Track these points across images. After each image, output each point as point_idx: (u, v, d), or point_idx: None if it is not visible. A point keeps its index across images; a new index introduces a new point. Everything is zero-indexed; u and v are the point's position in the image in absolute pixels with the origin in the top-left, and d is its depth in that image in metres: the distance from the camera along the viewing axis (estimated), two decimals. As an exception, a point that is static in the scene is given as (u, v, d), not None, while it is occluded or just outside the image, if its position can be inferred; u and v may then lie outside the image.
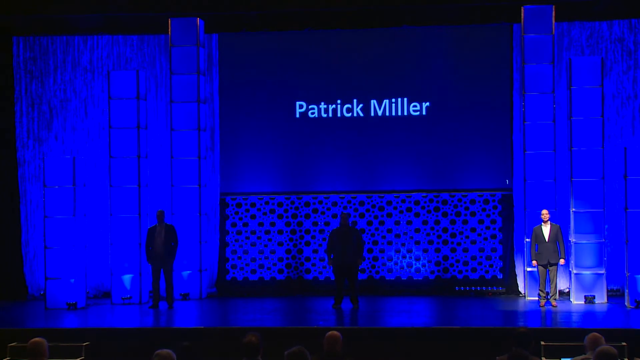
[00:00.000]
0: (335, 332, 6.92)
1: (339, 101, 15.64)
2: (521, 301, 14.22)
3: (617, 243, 14.12)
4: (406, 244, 15.52)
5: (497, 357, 6.76)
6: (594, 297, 13.66)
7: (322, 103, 15.66)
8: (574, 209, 13.94)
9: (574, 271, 13.84)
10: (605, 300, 13.71)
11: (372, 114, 15.56)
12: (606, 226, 13.97)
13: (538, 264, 13.40)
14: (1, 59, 15.89)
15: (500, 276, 15.27)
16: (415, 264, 15.48)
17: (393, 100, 15.51)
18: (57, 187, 14.31)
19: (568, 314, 12.67)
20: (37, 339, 6.71)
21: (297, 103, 15.72)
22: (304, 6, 14.81)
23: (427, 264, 15.45)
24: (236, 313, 14.01)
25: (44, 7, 14.85)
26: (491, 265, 15.30)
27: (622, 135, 14.87)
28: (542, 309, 13.17)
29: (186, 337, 10.87)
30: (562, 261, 13.39)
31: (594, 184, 13.90)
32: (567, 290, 14.41)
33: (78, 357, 10.72)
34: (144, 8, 14.87)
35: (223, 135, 15.83)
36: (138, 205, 14.71)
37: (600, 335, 7.15)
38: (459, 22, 15.33)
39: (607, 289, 13.90)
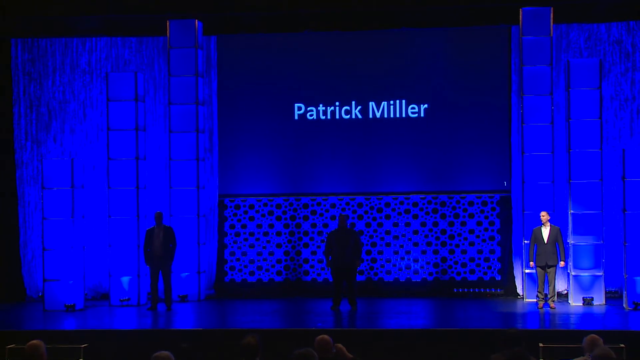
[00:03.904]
0: (325, 336, 6.90)
1: (337, 103, 15.65)
2: (519, 303, 14.22)
3: (616, 245, 14.12)
4: (404, 245, 15.52)
5: (492, 356, 6.75)
6: (592, 298, 13.67)
7: (321, 105, 15.67)
8: (572, 211, 13.95)
9: (572, 273, 13.85)
10: (603, 302, 13.72)
11: (371, 116, 15.57)
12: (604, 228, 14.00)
13: (536, 266, 13.42)
14: (-1, 61, 15.93)
15: (498, 278, 15.28)
16: (414, 266, 15.49)
17: (391, 102, 15.52)
18: (55, 188, 14.31)
19: (566, 316, 12.68)
20: (34, 341, 6.70)
21: (296, 105, 15.73)
22: (303, 8, 14.81)
23: (425, 266, 15.46)
24: (234, 315, 14.02)
25: (42, 9, 14.85)
26: (489, 267, 15.31)
27: (621, 137, 14.88)
28: (541, 310, 13.18)
29: (185, 338, 10.88)
30: (561, 263, 13.40)
31: (592, 185, 13.92)
32: (566, 291, 14.43)
33: (76, 359, 10.72)
34: (143, 10, 14.86)
35: (221, 137, 15.84)
36: (136, 207, 14.71)
37: (598, 337, 7.16)
38: (457, 24, 15.33)
39: (606, 290, 13.91)
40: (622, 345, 10.05)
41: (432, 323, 13.02)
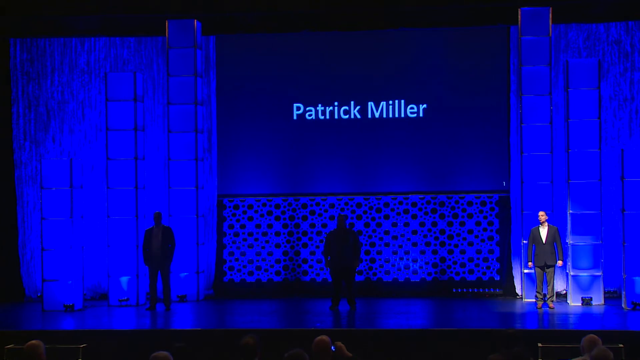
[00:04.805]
0: (323, 338, 6.86)
1: (336, 103, 15.64)
2: (518, 303, 14.23)
3: (614, 245, 14.12)
4: (403, 245, 15.52)
5: (490, 356, 6.74)
6: (591, 298, 13.67)
7: (320, 105, 15.67)
8: (571, 211, 13.95)
9: (571, 273, 13.85)
10: (602, 302, 13.73)
11: (370, 115, 15.57)
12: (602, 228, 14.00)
13: (535, 266, 13.43)
14: (-2, 61, 15.92)
15: (497, 278, 15.27)
16: (413, 266, 15.49)
17: (390, 102, 15.52)
18: (54, 189, 14.30)
19: (565, 316, 12.68)
20: (33, 341, 6.69)
21: (295, 105, 15.73)
22: (302, 8, 14.81)
23: (424, 266, 15.45)
24: (233, 315, 14.02)
25: (41, 8, 14.85)
26: (488, 267, 15.31)
27: (620, 137, 14.89)
28: (539, 310, 13.18)
29: (183, 339, 10.86)
30: (559, 263, 13.41)
31: (591, 185, 13.92)
32: (564, 292, 14.43)
33: (75, 359, 10.72)
34: (141, 10, 14.86)
35: (220, 137, 15.84)
36: (135, 207, 14.71)
37: (597, 337, 7.15)
38: (456, 24, 15.33)
39: (604, 290, 13.92)
40: (621, 345, 10.06)
41: (431, 323, 13.03)
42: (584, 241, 13.90)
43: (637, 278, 13.32)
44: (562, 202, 14.41)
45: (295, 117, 15.74)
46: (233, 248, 15.82)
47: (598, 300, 13.70)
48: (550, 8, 14.30)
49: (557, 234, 13.40)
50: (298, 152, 15.74)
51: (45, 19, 15.28)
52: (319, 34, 15.64)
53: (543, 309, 13.26)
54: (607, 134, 14.81)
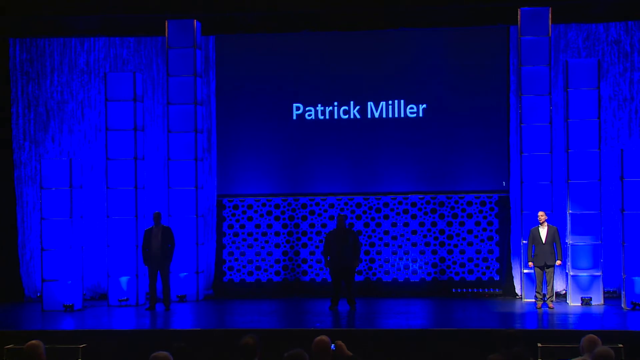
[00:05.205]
0: (323, 338, 6.85)
1: (335, 103, 15.64)
2: (518, 303, 14.23)
3: (614, 245, 14.12)
4: (403, 245, 15.52)
5: (490, 356, 6.74)
6: (590, 298, 13.67)
7: (319, 105, 15.66)
8: (570, 211, 13.95)
9: (571, 273, 13.85)
10: (601, 302, 13.73)
11: (369, 115, 15.57)
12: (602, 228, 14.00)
13: (535, 266, 13.44)
14: (-2, 61, 15.91)
15: (497, 278, 15.27)
16: (412, 266, 15.48)
17: (390, 102, 15.52)
18: (53, 189, 14.29)
19: (565, 316, 12.68)
20: (33, 341, 6.70)
21: (294, 105, 15.72)
22: (302, 8, 14.81)
23: (423, 266, 15.45)
24: (233, 315, 14.01)
25: (41, 8, 14.85)
26: (488, 267, 15.30)
27: (619, 137, 14.89)
28: (539, 310, 13.19)
29: (183, 339, 10.86)
30: (558, 262, 13.41)
31: (591, 185, 13.92)
32: (564, 292, 14.43)
33: (75, 359, 10.71)
34: (141, 10, 14.86)
35: (220, 137, 15.83)
36: (135, 207, 14.71)
37: (596, 337, 7.15)
38: (455, 24, 15.33)
39: (604, 290, 13.92)
40: (621, 345, 10.06)
41: (431, 323, 13.03)
42: (584, 241, 13.89)
43: (636, 278, 13.32)
44: (561, 202, 14.41)
45: (295, 117, 15.74)
46: (232, 248, 15.82)
47: (598, 300, 13.71)
48: (550, 8, 14.30)
49: (556, 234, 13.40)
50: (298, 152, 15.74)
51: (45, 19, 15.29)
52: (319, 34, 15.64)
53: (543, 309, 13.26)
54: (607, 134, 14.81)
